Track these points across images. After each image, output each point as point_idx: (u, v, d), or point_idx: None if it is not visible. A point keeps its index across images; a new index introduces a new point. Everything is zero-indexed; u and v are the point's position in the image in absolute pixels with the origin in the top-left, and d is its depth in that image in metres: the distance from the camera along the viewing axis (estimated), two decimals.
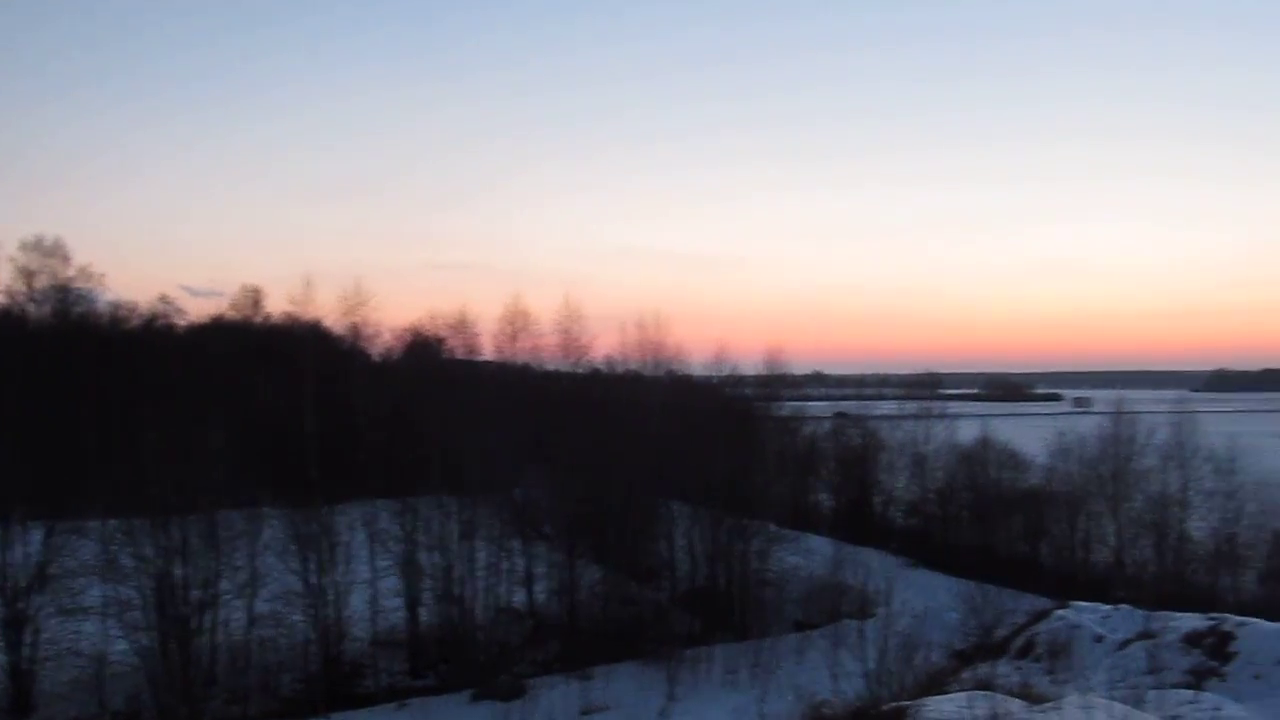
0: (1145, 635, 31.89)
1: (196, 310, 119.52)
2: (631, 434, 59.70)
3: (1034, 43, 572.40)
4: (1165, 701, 18.11)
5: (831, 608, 57.43)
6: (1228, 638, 30.22)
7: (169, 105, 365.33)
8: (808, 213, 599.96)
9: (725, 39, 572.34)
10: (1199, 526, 64.88)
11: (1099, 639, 33.74)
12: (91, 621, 41.68)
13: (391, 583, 51.63)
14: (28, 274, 66.13)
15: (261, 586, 46.95)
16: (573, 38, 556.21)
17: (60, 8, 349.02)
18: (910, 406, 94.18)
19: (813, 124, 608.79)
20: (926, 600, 53.89)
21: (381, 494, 52.47)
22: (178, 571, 42.08)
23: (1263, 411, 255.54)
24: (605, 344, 70.85)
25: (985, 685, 21.20)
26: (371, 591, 50.51)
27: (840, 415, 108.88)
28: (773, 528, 63.05)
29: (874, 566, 56.43)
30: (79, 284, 70.11)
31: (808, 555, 63.38)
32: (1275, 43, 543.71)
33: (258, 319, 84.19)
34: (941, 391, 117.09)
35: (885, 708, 14.22)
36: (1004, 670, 32.33)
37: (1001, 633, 39.66)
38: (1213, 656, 29.73)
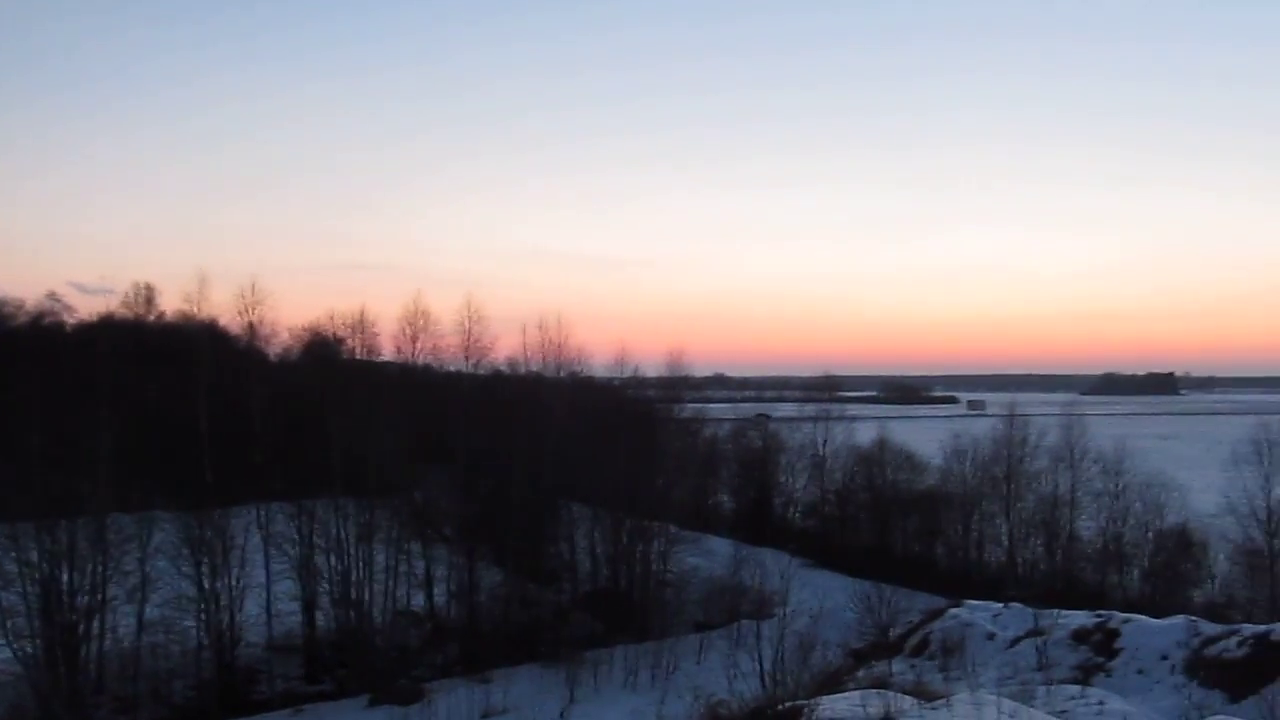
0: (1035, 633, 32.63)
1: (86, 308, 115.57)
2: (533, 436, 59.51)
3: (943, 48, 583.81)
4: (1053, 697, 18.54)
5: (731, 608, 57.90)
6: (1113, 634, 31.07)
7: (59, 100, 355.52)
8: (712, 216, 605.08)
9: (635, 41, 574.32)
10: (1087, 526, 66.83)
11: (991, 636, 34.47)
12: None
13: (287, 586, 50.86)
14: None
15: (152, 591, 45.80)
16: (478, 39, 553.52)
17: None
18: (809, 409, 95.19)
19: (720, 127, 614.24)
20: (824, 600, 54.63)
21: (278, 496, 51.58)
22: (64, 577, 40.97)
23: (1148, 414, 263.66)
24: (507, 345, 70.06)
25: (880, 683, 21.51)
26: (267, 596, 49.68)
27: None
28: (673, 529, 63.31)
29: (773, 567, 57.08)
30: None
31: (708, 556, 63.80)
32: (1175, 52, 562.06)
33: (150, 317, 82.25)
34: (840, 394, 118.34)
35: (781, 707, 14.35)
36: (899, 668, 32.91)
37: (897, 631, 40.24)
38: (1099, 653, 30.56)
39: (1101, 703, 18.16)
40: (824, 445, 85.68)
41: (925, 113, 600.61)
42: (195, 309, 56.79)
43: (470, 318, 62.09)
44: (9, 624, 39.91)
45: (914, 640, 37.31)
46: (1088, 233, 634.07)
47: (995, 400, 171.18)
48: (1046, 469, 68.91)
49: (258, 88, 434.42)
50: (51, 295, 78.71)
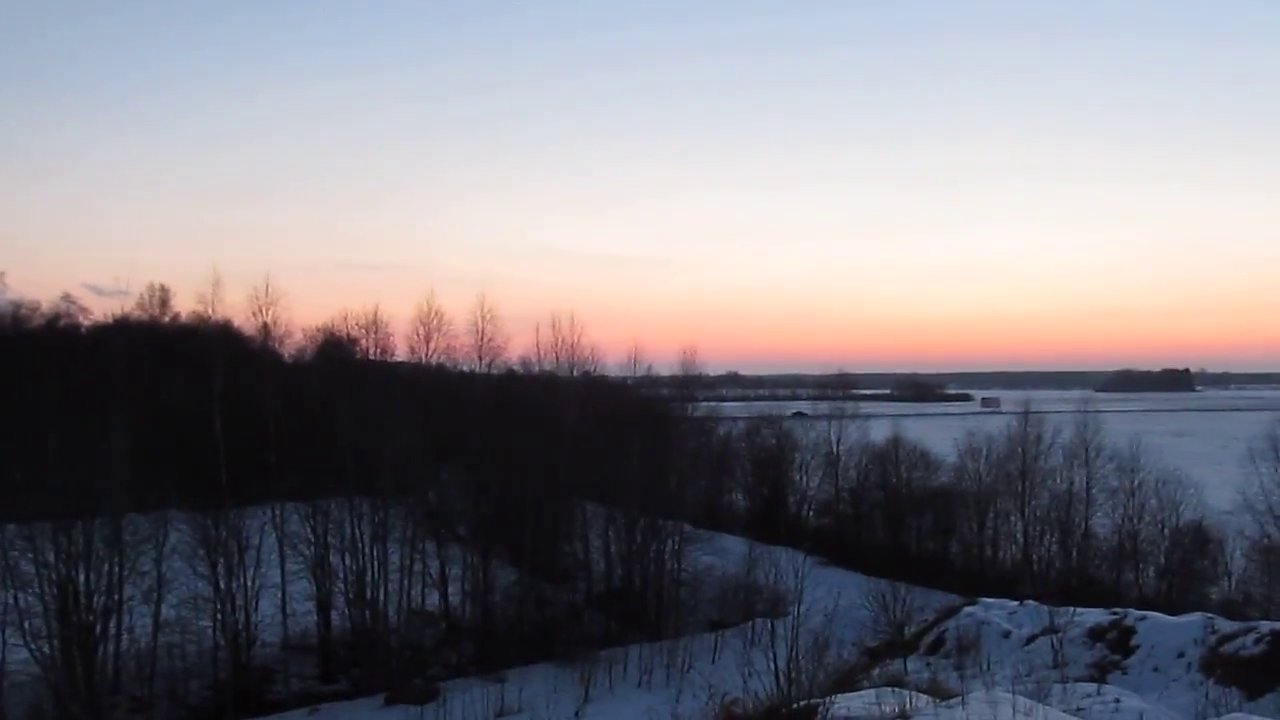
0: (1050, 630, 32.51)
1: (101, 310, 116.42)
2: (546, 435, 59.59)
3: (952, 45, 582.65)
4: (1069, 695, 18.45)
5: (745, 607, 57.86)
6: (1129, 632, 30.95)
7: (73, 103, 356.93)
8: (725, 214, 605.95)
9: (647, 40, 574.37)
10: (1102, 523, 66.50)
11: (1006, 634, 34.37)
12: None
13: (302, 586, 50.98)
14: None
15: (168, 592, 45.96)
16: (488, 39, 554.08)
17: None
18: (823, 407, 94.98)
19: (732, 126, 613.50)
20: (838, 598, 54.36)
21: (292, 496, 51.69)
22: (81, 577, 41.01)
23: (1163, 411, 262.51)
24: (520, 345, 70.56)
25: (895, 682, 21.42)
26: (282, 596, 49.86)
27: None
28: (687, 528, 63.33)
29: (787, 565, 56.91)
30: None
31: (722, 555, 63.74)
32: (1189, 48, 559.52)
33: (165, 318, 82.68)
34: (854, 392, 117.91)
35: (796, 705, 14.28)
36: (914, 666, 32.81)
37: (911, 630, 40.17)
38: (1115, 650, 30.45)
39: (1118, 700, 18.06)
40: (838, 443, 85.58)
41: (939, 110, 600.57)
42: (209, 310, 57.02)
43: (483, 317, 62.42)
44: (26, 624, 39.98)
45: (929, 638, 37.21)
46: (1103, 229, 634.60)
47: (1009, 397, 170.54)
48: (1061, 466, 68.63)
49: (270, 90, 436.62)
50: (67, 297, 79.36)
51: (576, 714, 41.10)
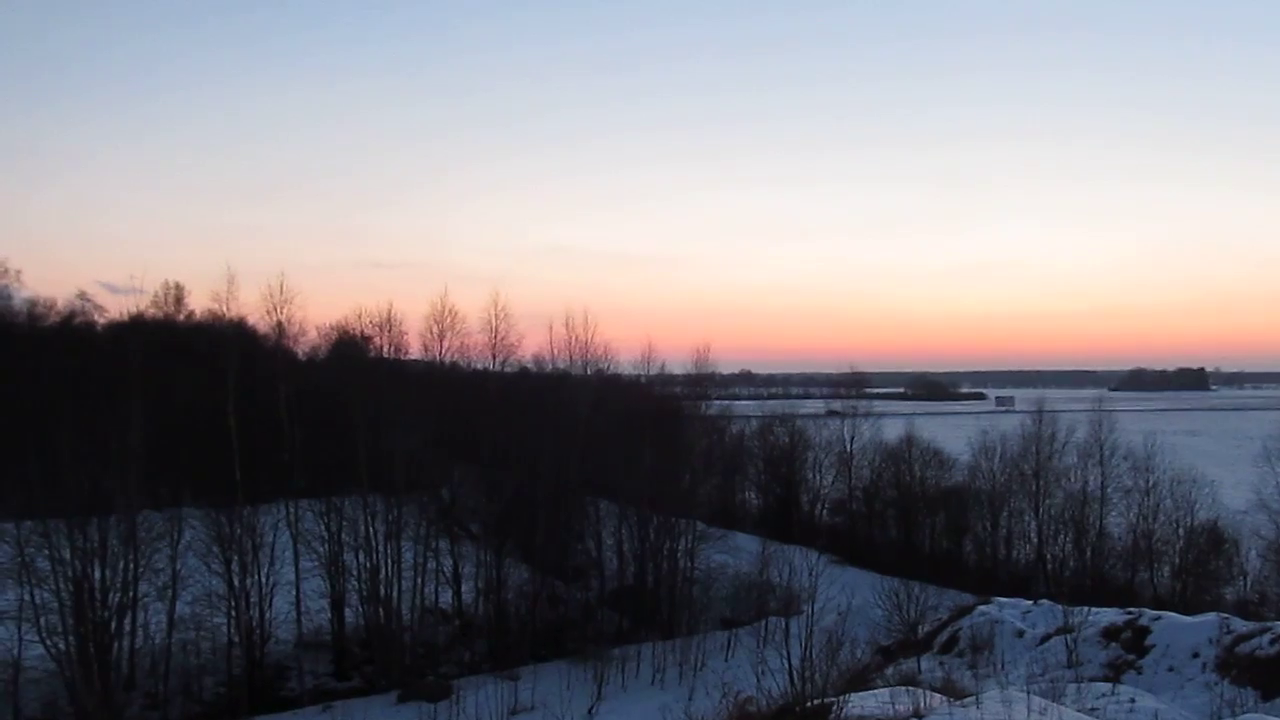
0: (1065, 630, 32.38)
1: (116, 307, 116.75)
2: (559, 433, 59.57)
3: (961, 45, 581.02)
4: (1083, 694, 18.40)
5: (758, 605, 57.86)
6: (1144, 631, 30.80)
7: (89, 102, 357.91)
8: (738, 213, 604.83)
9: (660, 40, 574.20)
10: (1117, 523, 66.35)
11: (1020, 634, 34.27)
12: (5, 626, 40.50)
13: (316, 584, 51.11)
14: None
15: (183, 589, 46.17)
16: (502, 38, 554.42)
17: None
18: (836, 405, 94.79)
19: (745, 125, 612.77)
20: (852, 597, 54.35)
21: (306, 494, 51.88)
22: (96, 574, 41.19)
23: (1178, 410, 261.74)
24: (533, 343, 70.90)
25: (909, 681, 21.41)
26: (296, 593, 49.94)
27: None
28: (700, 526, 63.27)
29: (800, 564, 56.83)
30: None
31: (735, 553, 63.67)
32: (1202, 47, 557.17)
33: (180, 316, 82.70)
34: (867, 391, 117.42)
35: (810, 704, 14.29)
36: (927, 666, 32.76)
37: (925, 629, 40.05)
38: (1129, 650, 30.31)
39: (1132, 700, 18.01)
40: (851, 442, 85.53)
41: (952, 109, 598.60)
42: (224, 308, 57.27)
43: (496, 316, 62.55)
44: (42, 621, 40.16)
45: (943, 637, 37.12)
46: (1116, 228, 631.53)
47: (1023, 397, 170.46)
48: (1075, 465, 68.53)
49: (285, 89, 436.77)
50: (82, 295, 79.46)
51: (590, 711, 41.21)
